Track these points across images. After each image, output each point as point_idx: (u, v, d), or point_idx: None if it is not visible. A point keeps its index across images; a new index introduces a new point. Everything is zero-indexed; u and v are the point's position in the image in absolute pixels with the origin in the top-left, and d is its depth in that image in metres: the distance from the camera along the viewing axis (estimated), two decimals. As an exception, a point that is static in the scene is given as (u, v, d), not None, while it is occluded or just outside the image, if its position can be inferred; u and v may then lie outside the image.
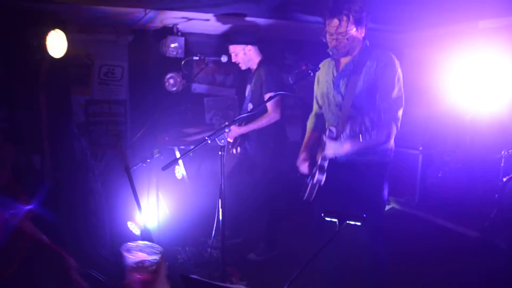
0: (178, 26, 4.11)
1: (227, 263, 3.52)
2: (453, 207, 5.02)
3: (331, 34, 2.30)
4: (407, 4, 3.40)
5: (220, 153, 2.20)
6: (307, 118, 5.47)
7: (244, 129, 3.48)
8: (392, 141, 2.42)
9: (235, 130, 3.48)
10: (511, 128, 4.37)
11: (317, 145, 2.60)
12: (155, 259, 2.02)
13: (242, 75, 4.91)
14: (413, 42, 5.22)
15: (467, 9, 3.58)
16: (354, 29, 2.27)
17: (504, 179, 4.37)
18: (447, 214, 4.87)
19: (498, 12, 3.75)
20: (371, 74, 2.31)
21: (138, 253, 2.01)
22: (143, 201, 3.58)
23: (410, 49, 5.50)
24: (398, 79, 2.30)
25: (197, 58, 3.54)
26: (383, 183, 2.43)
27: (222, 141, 2.17)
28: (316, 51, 2.42)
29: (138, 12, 3.63)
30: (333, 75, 2.46)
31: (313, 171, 2.42)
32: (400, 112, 2.29)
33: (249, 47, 3.52)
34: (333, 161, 2.36)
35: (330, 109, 2.50)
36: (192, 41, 4.27)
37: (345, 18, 2.25)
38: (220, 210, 2.30)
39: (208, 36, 4.60)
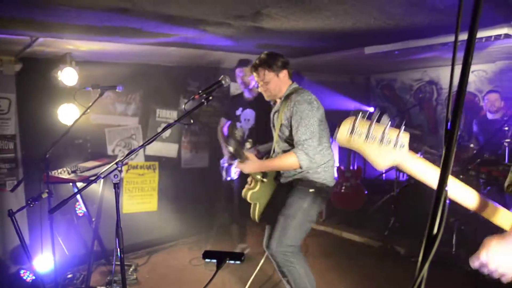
0: (72, 54, 3.90)
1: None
2: (356, 220, 5.34)
3: (258, 81, 2.86)
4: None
5: (114, 190, 2.08)
6: (214, 143, 5.50)
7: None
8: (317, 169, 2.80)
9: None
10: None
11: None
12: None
13: (145, 103, 4.80)
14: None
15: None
16: (272, 74, 2.81)
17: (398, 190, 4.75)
18: (353, 228, 5.16)
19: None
20: (287, 112, 2.74)
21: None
22: (38, 244, 3.28)
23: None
24: (303, 115, 2.66)
25: (90, 89, 3.34)
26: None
27: (116, 177, 2.06)
28: (218, 76, 2.43)
29: (24, 40, 3.37)
30: (272, 113, 2.99)
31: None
32: (308, 142, 2.66)
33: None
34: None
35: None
36: (87, 70, 4.06)
37: (263, 68, 2.81)
38: (118, 249, 2.16)
39: (105, 64, 4.42)
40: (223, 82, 2.33)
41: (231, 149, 2.93)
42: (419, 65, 5.96)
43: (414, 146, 4.56)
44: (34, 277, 3.37)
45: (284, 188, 2.92)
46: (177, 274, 4.06)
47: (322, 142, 2.79)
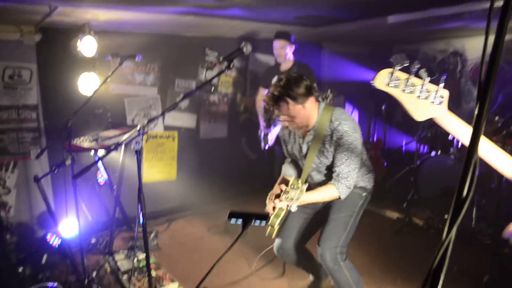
0: (91, 24, 3.89)
1: (157, 266, 3.46)
2: (374, 192, 5.31)
3: (283, 116, 2.42)
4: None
5: (135, 157, 2.11)
6: (233, 114, 5.51)
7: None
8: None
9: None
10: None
11: None
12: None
13: (164, 74, 4.80)
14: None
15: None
16: (299, 107, 2.36)
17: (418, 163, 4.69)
18: (372, 199, 5.13)
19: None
20: (327, 141, 2.46)
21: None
22: (62, 210, 3.39)
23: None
24: (351, 146, 2.41)
25: (110, 58, 3.35)
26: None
27: (137, 144, 2.08)
28: (236, 46, 2.39)
29: (43, 9, 3.37)
30: (299, 143, 2.63)
31: None
32: (351, 174, 2.43)
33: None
34: None
35: (294, 155, 2.75)
36: (106, 40, 4.06)
37: (284, 103, 2.34)
38: (140, 214, 2.21)
39: (123, 34, 4.41)
40: (244, 49, 2.29)
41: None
42: (444, 35, 5.76)
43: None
44: (60, 241, 3.49)
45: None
46: (195, 242, 4.15)
47: (362, 159, 2.61)
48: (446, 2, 3.57)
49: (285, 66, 4.38)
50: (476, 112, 0.78)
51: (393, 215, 4.79)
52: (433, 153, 4.69)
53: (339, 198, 2.47)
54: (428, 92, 1.18)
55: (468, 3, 3.51)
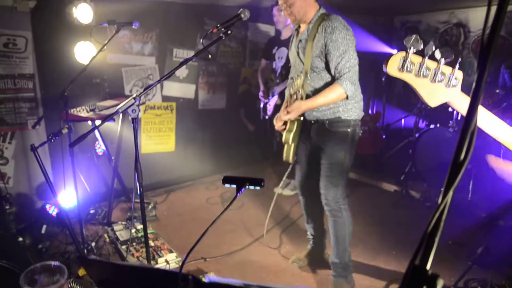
0: (86, -10, 3.80)
1: (155, 237, 3.50)
2: (372, 164, 5.34)
3: (282, 5, 2.58)
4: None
5: (132, 125, 2.09)
6: (232, 84, 5.46)
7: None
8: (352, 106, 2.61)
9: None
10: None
11: None
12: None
13: (161, 43, 4.72)
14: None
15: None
16: None
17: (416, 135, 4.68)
18: (369, 171, 5.17)
19: None
20: (321, 39, 2.48)
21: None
22: (61, 180, 3.39)
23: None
24: (344, 41, 2.42)
25: (106, 25, 3.27)
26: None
27: (134, 111, 2.06)
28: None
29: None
30: (294, 42, 2.72)
31: None
32: (353, 69, 2.45)
33: None
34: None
35: (295, 70, 2.77)
36: (103, 7, 3.96)
37: None
38: (137, 184, 2.21)
39: (120, 1, 4.30)
40: (242, 15, 2.24)
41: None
42: (447, 6, 5.65)
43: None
44: (58, 211, 3.52)
45: (311, 124, 2.72)
46: (194, 212, 4.19)
47: None
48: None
49: (286, 33, 4.30)
50: (476, 76, 0.76)
51: (390, 187, 4.82)
52: (432, 126, 4.68)
53: (347, 97, 2.48)
54: (443, 74, 1.14)
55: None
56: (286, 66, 4.22)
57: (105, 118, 2.03)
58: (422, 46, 1.14)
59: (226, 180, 1.16)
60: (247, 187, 1.12)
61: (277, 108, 4.16)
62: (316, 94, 2.55)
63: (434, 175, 4.44)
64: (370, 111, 5.61)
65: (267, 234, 3.62)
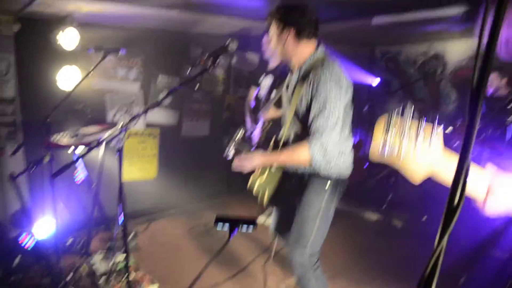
0: (74, 16, 3.79)
1: (136, 267, 3.40)
2: (354, 193, 5.36)
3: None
4: None
5: (117, 155, 2.06)
6: (216, 111, 5.47)
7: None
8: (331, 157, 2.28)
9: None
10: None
11: None
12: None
13: (146, 69, 4.72)
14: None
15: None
16: (279, 32, 2.23)
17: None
18: (351, 200, 5.18)
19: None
20: (308, 90, 2.18)
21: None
22: (39, 208, 3.29)
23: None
24: (328, 95, 2.11)
25: (93, 51, 3.26)
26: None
27: (119, 142, 2.03)
28: (221, 43, 2.36)
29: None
30: (286, 83, 2.48)
31: None
32: (327, 132, 2.14)
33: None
34: None
35: (283, 113, 2.55)
36: (88, 33, 3.96)
37: (272, 20, 2.25)
38: (122, 214, 2.16)
39: (106, 27, 4.31)
40: (229, 47, 2.26)
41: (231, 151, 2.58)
42: (425, 38, 5.84)
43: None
44: (34, 242, 3.39)
45: (292, 176, 2.46)
46: (176, 242, 4.10)
47: (343, 131, 2.31)
48: (428, 6, 3.62)
49: (273, 63, 4.32)
50: (467, 119, 0.78)
51: (373, 216, 4.84)
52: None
53: (311, 164, 2.18)
54: (424, 134, 1.12)
55: (450, 7, 3.58)
56: (270, 95, 4.26)
57: (90, 148, 1.99)
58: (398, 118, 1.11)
59: (219, 220, 1.12)
60: (240, 228, 1.09)
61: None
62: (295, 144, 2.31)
63: (416, 204, 4.49)
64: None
65: (250, 264, 3.56)
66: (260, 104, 4.43)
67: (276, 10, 2.24)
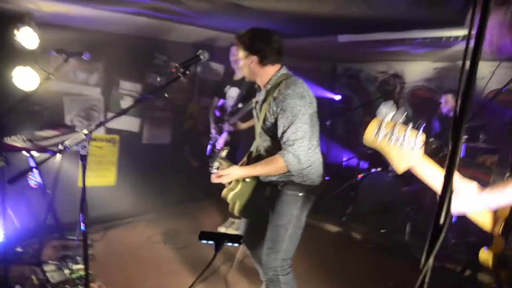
0: (33, 15, 3.62)
1: (92, 278, 3.25)
2: (314, 205, 5.43)
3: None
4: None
5: (80, 162, 1.97)
6: (177, 120, 5.39)
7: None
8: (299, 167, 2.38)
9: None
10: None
11: None
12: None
13: (108, 74, 4.58)
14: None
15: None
16: (244, 56, 2.41)
17: (359, 176, 4.87)
18: (311, 211, 5.24)
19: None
20: (273, 105, 2.35)
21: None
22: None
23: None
24: (294, 111, 2.26)
25: (53, 53, 3.12)
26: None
27: (84, 148, 1.94)
28: (185, 52, 2.35)
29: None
30: (255, 98, 2.61)
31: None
32: (299, 142, 2.28)
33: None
34: None
35: (255, 127, 2.65)
36: (49, 33, 3.79)
37: (239, 44, 2.42)
38: (82, 224, 2.06)
39: (68, 29, 4.15)
40: (201, 56, 2.25)
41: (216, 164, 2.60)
42: (385, 57, 6.08)
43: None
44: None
45: (265, 186, 2.59)
46: (134, 251, 3.97)
47: (311, 141, 2.41)
48: (391, 28, 3.79)
49: (239, 74, 4.34)
50: (450, 145, 0.80)
51: (333, 228, 4.92)
52: (373, 170, 4.89)
53: (289, 171, 2.33)
54: (410, 139, 1.22)
55: (410, 31, 3.76)
56: (236, 106, 4.26)
57: (52, 154, 1.89)
58: (395, 111, 1.21)
59: (204, 236, 1.10)
60: (225, 244, 1.07)
61: (226, 145, 4.15)
62: (267, 157, 2.44)
63: (374, 217, 4.61)
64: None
65: (212, 276, 3.50)
66: (224, 115, 4.42)
67: (242, 35, 2.41)
